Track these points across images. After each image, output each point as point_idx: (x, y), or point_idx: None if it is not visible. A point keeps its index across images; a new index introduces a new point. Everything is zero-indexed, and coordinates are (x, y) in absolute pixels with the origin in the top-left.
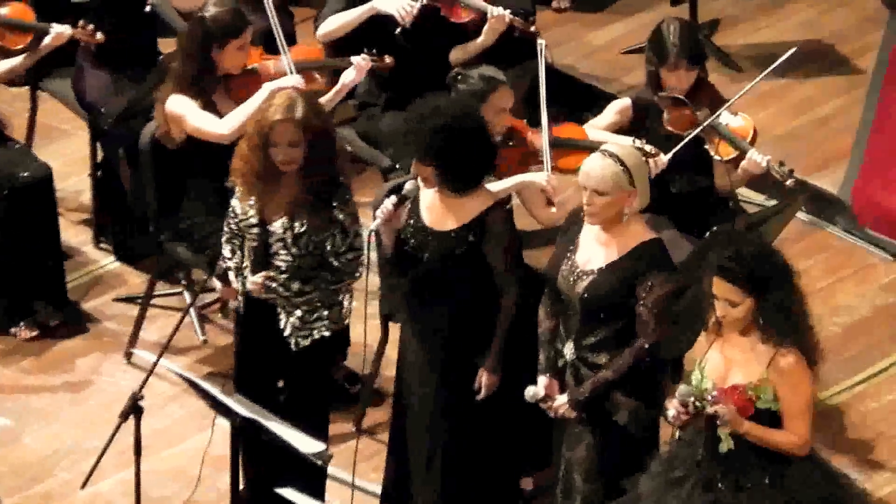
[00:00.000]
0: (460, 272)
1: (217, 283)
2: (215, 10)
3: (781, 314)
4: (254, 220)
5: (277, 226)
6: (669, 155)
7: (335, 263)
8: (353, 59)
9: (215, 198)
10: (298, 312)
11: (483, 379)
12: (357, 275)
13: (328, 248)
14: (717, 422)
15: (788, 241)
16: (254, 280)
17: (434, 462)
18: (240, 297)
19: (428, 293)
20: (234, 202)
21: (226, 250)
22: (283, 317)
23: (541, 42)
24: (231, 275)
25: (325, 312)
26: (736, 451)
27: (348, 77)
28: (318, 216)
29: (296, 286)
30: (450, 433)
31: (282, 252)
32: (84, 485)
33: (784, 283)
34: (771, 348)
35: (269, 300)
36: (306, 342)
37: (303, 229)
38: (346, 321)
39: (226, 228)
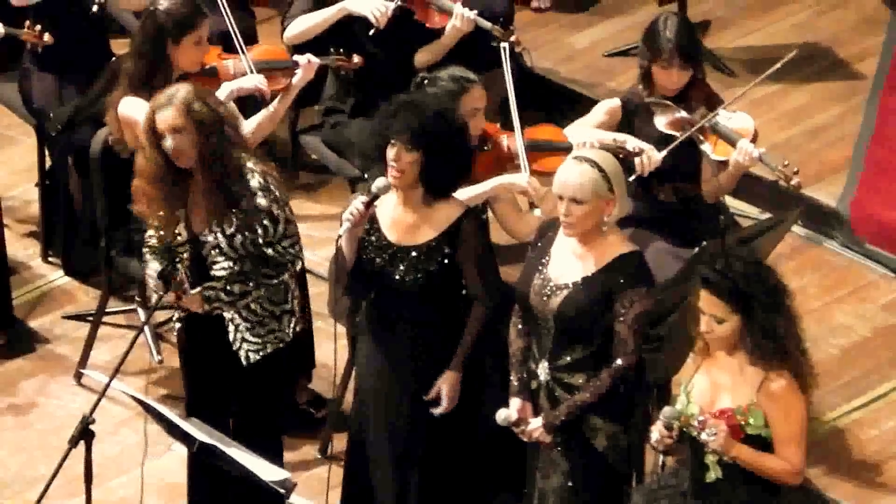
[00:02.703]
0: (431, 289)
1: (172, 296)
2: (169, 3)
3: (769, 338)
4: (183, 237)
5: (209, 236)
6: (664, 153)
7: (270, 252)
8: (297, 57)
9: None
10: (247, 324)
11: (445, 380)
12: (297, 263)
13: (260, 239)
14: (707, 448)
15: (783, 257)
16: (191, 296)
17: (407, 495)
18: (178, 319)
19: (393, 313)
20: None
21: (152, 265)
22: (231, 328)
23: (504, 45)
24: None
25: (276, 325)
26: (724, 481)
27: (296, 78)
28: (242, 210)
29: (237, 288)
30: (422, 462)
31: (219, 260)
32: None
33: (774, 304)
34: (760, 371)
35: (215, 311)
36: (257, 357)
37: (233, 229)
38: (298, 328)
39: (148, 248)
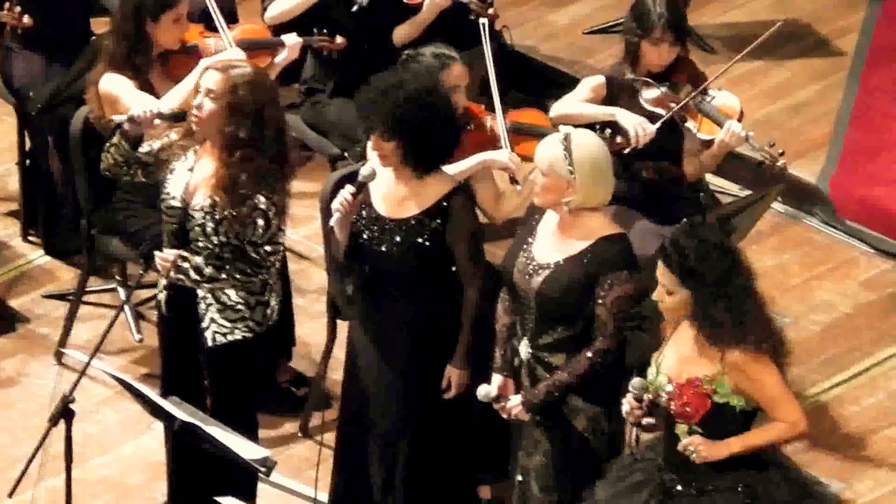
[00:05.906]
0: (421, 264)
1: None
2: None
3: (707, 321)
4: (175, 203)
5: (198, 209)
6: (658, 124)
7: (252, 254)
8: (284, 37)
9: (150, 188)
10: (218, 305)
11: (452, 377)
12: (273, 271)
13: (249, 236)
14: (693, 457)
15: (763, 235)
16: (164, 255)
17: (396, 469)
18: (162, 290)
19: (385, 290)
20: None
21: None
22: (202, 305)
23: (483, 20)
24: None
25: (249, 313)
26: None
27: (280, 57)
28: (241, 202)
29: (209, 271)
30: (412, 440)
31: (201, 238)
32: (11, 493)
33: (719, 289)
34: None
35: (177, 281)
36: (224, 339)
37: (224, 215)
38: (271, 322)
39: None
